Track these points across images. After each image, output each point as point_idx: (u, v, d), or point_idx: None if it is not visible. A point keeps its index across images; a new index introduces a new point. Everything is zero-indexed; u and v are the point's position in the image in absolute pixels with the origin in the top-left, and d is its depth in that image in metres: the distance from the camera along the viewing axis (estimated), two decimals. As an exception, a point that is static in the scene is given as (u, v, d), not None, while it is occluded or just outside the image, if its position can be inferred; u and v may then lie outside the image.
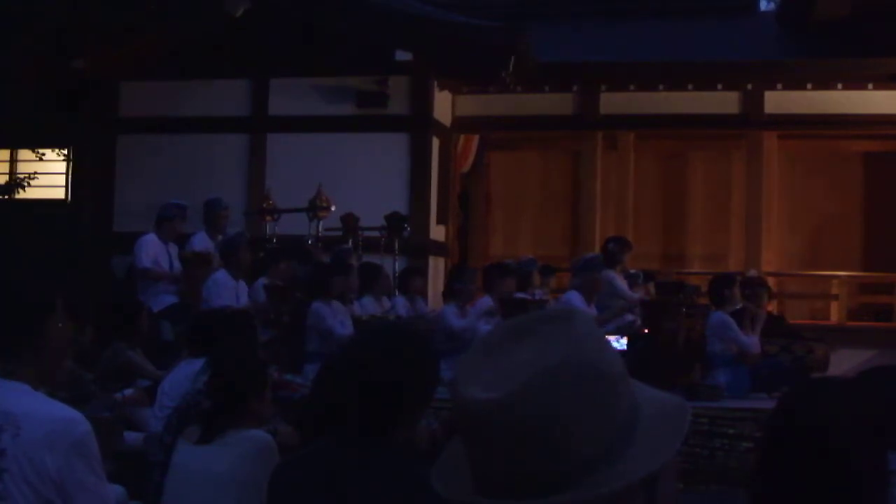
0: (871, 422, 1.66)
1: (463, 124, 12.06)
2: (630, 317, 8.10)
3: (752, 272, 9.57)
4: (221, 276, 7.56)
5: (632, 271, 9.05)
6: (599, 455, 1.17)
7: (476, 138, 12.56)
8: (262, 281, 7.91)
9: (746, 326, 7.56)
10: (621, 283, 8.47)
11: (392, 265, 9.47)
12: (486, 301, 8.08)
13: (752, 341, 7.56)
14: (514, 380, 1.16)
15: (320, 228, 9.53)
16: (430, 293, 10.32)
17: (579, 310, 1.37)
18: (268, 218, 9.96)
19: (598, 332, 1.26)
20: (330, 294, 7.43)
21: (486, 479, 1.20)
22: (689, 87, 11.57)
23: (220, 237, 8.40)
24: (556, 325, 1.22)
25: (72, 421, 2.16)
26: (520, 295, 8.28)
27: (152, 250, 8.24)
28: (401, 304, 8.59)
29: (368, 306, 8.10)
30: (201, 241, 8.54)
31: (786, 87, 11.49)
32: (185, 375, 4.86)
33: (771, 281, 10.40)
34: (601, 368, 1.20)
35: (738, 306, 7.82)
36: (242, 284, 7.68)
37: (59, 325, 2.28)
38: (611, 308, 8.17)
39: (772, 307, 9.20)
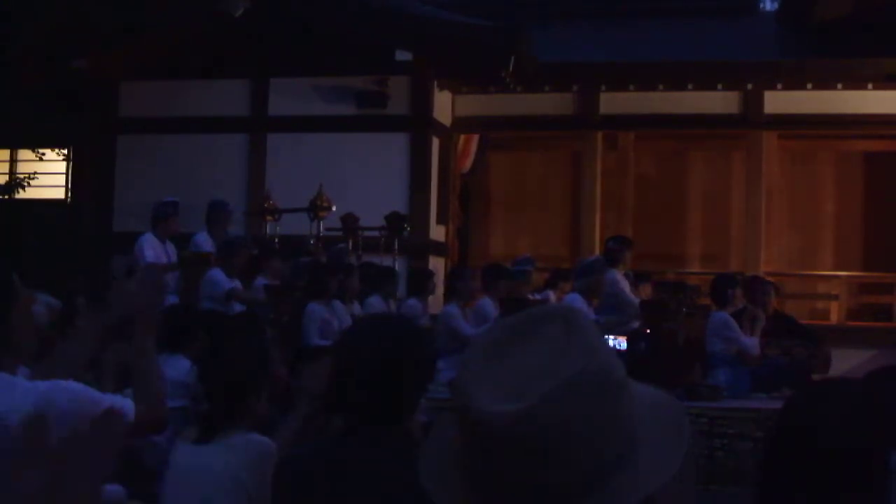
0: (873, 426, 1.66)
1: (463, 124, 12.05)
2: (635, 323, 8.06)
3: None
4: (218, 274, 7.60)
5: (624, 271, 9.01)
6: (612, 463, 1.17)
7: (476, 138, 12.56)
8: (261, 281, 7.93)
9: (746, 327, 7.55)
10: (625, 285, 8.45)
11: (392, 265, 9.47)
12: (486, 303, 8.08)
13: (753, 343, 7.55)
14: (533, 390, 1.14)
15: (321, 228, 9.53)
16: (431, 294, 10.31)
17: (573, 308, 1.36)
18: (268, 218, 9.97)
19: (602, 337, 1.25)
20: (327, 294, 7.43)
21: (489, 487, 1.18)
22: (689, 87, 11.56)
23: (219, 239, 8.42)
24: (556, 325, 1.21)
25: (50, 394, 2.16)
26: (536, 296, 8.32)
27: (152, 248, 8.26)
28: (412, 306, 8.61)
29: (376, 306, 8.10)
30: (205, 242, 8.55)
31: (786, 87, 11.47)
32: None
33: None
34: (616, 376, 1.20)
35: (740, 307, 7.81)
36: (238, 283, 7.72)
37: (25, 307, 2.27)
38: (620, 314, 8.12)
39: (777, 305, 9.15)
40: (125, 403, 2.24)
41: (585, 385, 1.16)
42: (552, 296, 9.00)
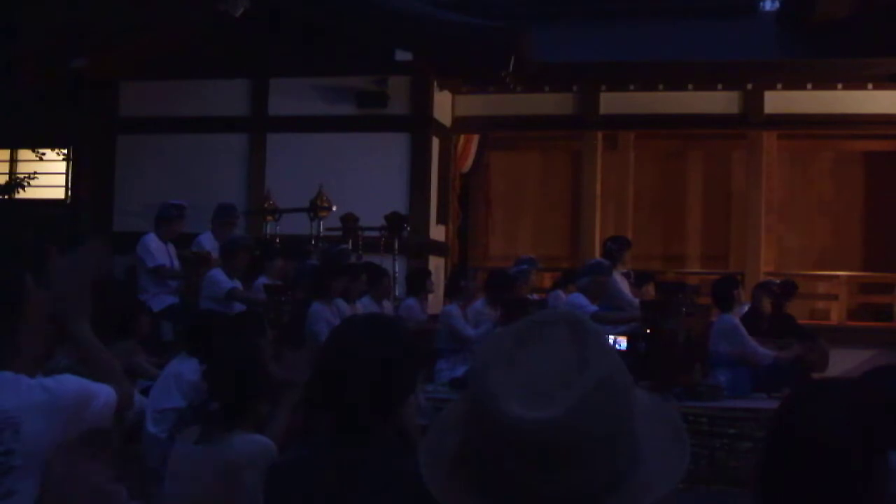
0: (871, 425, 1.66)
1: (463, 124, 12.06)
2: (636, 324, 8.08)
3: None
4: (219, 274, 7.60)
5: (622, 271, 9.03)
6: (626, 464, 1.18)
7: (476, 138, 12.56)
8: (263, 280, 7.93)
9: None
10: (624, 285, 8.46)
11: (392, 265, 9.47)
12: (478, 303, 8.09)
13: (766, 354, 7.54)
14: (563, 395, 1.15)
15: (321, 228, 9.53)
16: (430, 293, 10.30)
17: (574, 309, 1.38)
18: (268, 218, 9.97)
19: (606, 338, 1.26)
20: (329, 295, 7.44)
21: (500, 489, 1.19)
22: (689, 87, 11.56)
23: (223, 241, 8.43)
24: (561, 328, 1.21)
25: (55, 390, 2.17)
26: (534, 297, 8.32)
27: (156, 249, 8.27)
28: (410, 306, 8.58)
29: (367, 307, 8.10)
30: (207, 242, 8.55)
31: (786, 87, 11.48)
32: (172, 374, 4.94)
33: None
34: (629, 377, 1.22)
35: (745, 307, 7.82)
36: (238, 284, 7.72)
37: (34, 306, 2.28)
38: (622, 312, 8.13)
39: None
40: (110, 391, 2.27)
41: (611, 388, 1.17)
42: (563, 295, 9.00)
